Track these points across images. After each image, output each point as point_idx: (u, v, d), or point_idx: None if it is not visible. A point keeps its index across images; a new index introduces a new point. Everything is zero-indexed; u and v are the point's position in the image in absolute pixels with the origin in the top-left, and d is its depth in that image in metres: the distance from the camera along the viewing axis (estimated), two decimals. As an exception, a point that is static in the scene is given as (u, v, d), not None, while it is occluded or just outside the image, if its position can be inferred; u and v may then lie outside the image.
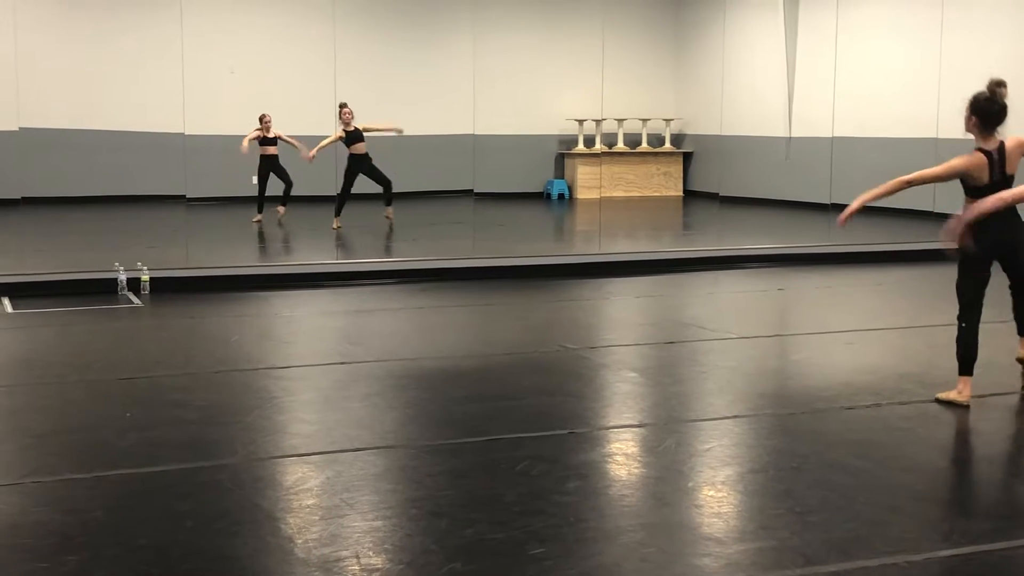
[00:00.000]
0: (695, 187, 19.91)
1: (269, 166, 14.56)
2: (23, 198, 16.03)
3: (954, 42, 15.04)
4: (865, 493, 4.60)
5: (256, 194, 14.65)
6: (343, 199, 13.87)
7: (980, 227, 5.78)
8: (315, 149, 13.83)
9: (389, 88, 17.89)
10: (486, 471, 4.88)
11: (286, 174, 14.53)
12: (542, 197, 19.28)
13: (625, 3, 18.75)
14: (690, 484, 4.79)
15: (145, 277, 9.59)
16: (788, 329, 8.83)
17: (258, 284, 10.03)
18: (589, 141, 19.27)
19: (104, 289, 9.49)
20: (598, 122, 18.74)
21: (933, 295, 10.08)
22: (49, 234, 13.90)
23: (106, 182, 16.66)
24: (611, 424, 5.79)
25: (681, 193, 19.98)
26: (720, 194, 17.63)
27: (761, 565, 3.88)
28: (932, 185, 15.76)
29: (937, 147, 15.08)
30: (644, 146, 19.82)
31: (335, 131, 13.99)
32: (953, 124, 15.42)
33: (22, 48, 16.26)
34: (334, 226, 13.80)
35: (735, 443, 5.37)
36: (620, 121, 19.35)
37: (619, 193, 19.52)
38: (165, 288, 9.65)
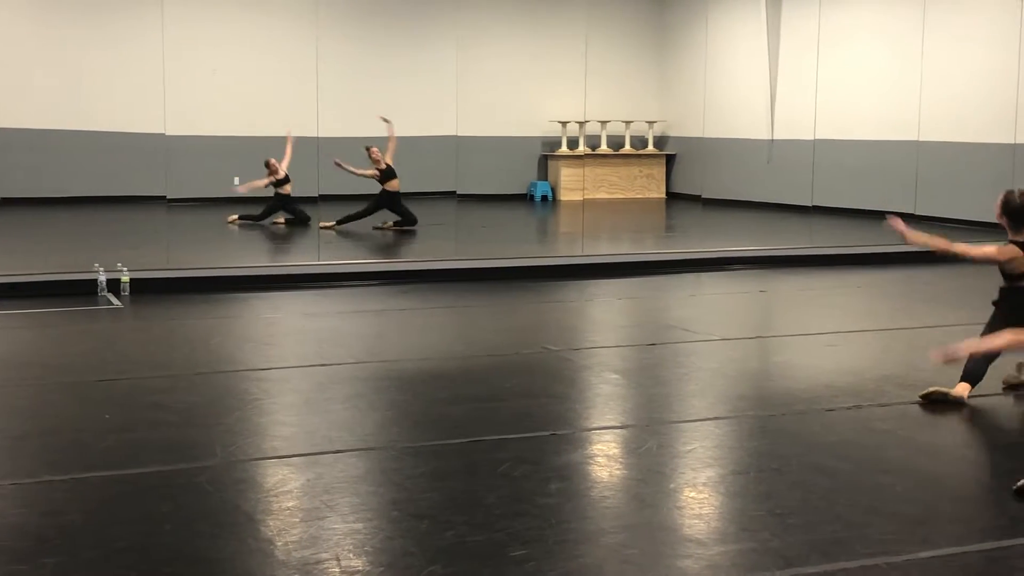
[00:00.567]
0: (678, 189, 19.94)
1: (284, 203, 14.58)
2: (1, 199, 15.97)
3: (935, 45, 15.12)
4: (845, 495, 4.61)
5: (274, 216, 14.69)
6: (354, 219, 13.95)
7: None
8: (348, 166, 13.91)
9: (372, 89, 17.85)
10: (468, 473, 4.87)
11: (297, 210, 14.58)
12: (525, 199, 19.28)
13: (608, 6, 18.77)
14: (671, 486, 4.79)
15: (125, 278, 9.53)
16: (770, 331, 8.84)
17: (239, 285, 9.99)
18: (572, 143, 19.28)
19: (84, 290, 9.44)
20: (581, 124, 18.76)
21: (913, 297, 10.14)
22: (28, 235, 13.82)
23: (86, 183, 16.56)
24: (593, 426, 5.78)
25: (664, 195, 20.01)
26: (703, 196, 17.68)
27: (742, 567, 3.88)
28: (914, 187, 15.91)
29: (918, 150, 15.17)
30: (627, 148, 19.84)
31: (369, 169, 14.05)
32: (934, 127, 15.56)
33: (0, 48, 16.19)
34: (327, 225, 13.81)
35: (716, 445, 5.38)
36: (603, 123, 19.37)
37: (602, 195, 19.54)
38: (145, 289, 9.60)
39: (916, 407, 6.01)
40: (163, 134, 13.86)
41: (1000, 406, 6.13)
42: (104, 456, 5.10)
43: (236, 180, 16.60)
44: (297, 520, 4.31)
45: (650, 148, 20.02)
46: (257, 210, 14.67)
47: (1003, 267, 6.31)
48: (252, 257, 11.77)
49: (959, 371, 6.11)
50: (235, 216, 14.60)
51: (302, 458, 5.08)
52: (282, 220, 14.65)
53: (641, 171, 19.97)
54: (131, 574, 3.81)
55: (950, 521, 4.34)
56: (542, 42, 18.91)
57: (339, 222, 13.92)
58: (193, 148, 16.52)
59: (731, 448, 5.34)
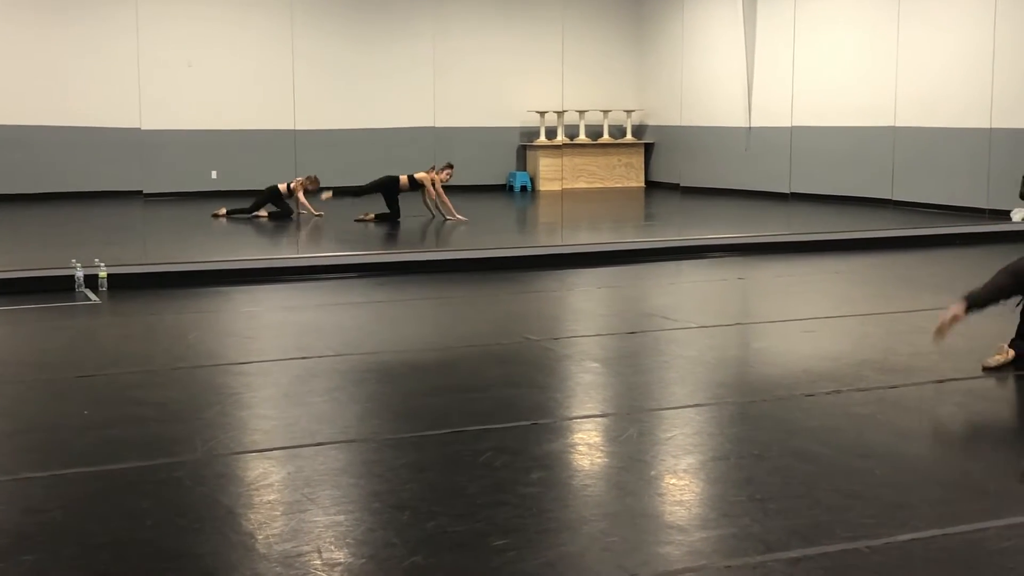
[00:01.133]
0: (656, 178, 19.97)
1: (275, 197, 14.60)
2: (-23, 196, 15.86)
3: (911, 32, 15.18)
4: (825, 479, 4.64)
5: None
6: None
7: None
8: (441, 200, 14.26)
9: (348, 80, 17.81)
10: (449, 463, 4.87)
11: (284, 204, 14.62)
12: (504, 189, 19.27)
13: (584, -6, 18.77)
14: (652, 473, 4.80)
15: (103, 274, 9.49)
16: (749, 318, 8.87)
17: (218, 279, 9.95)
18: (551, 133, 19.28)
19: (61, 287, 9.39)
20: (559, 114, 18.75)
21: (891, 283, 10.18)
22: (3, 232, 13.73)
23: (61, 178, 16.46)
24: (574, 414, 5.79)
25: (643, 184, 20.04)
26: (681, 184, 17.71)
27: (723, 552, 3.90)
28: (891, 173, 15.97)
29: (895, 135, 15.23)
30: (606, 137, 19.85)
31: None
32: (910, 113, 15.61)
33: (-26, 43, 16.06)
34: (367, 219, 14.06)
35: (697, 431, 5.39)
36: (581, 113, 19.38)
37: (581, 184, 19.55)
38: (123, 285, 9.55)
39: (894, 391, 6.05)
40: (139, 128, 13.78)
41: (979, 389, 6.16)
42: (83, 452, 5.08)
43: (214, 174, 16.54)
44: (278, 513, 4.30)
45: (628, 137, 20.04)
46: (247, 203, 14.62)
47: None
48: (231, 251, 11.72)
49: (937, 358, 6.13)
50: (223, 210, 14.55)
51: (282, 451, 5.07)
52: (265, 214, 14.61)
53: (620, 160, 19.99)
54: (111, 570, 3.80)
55: (929, 504, 4.36)
56: (519, 32, 18.89)
57: (369, 216, 14.16)
58: (169, 142, 16.44)
59: (711, 435, 5.36)
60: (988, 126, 14.16)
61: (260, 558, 3.87)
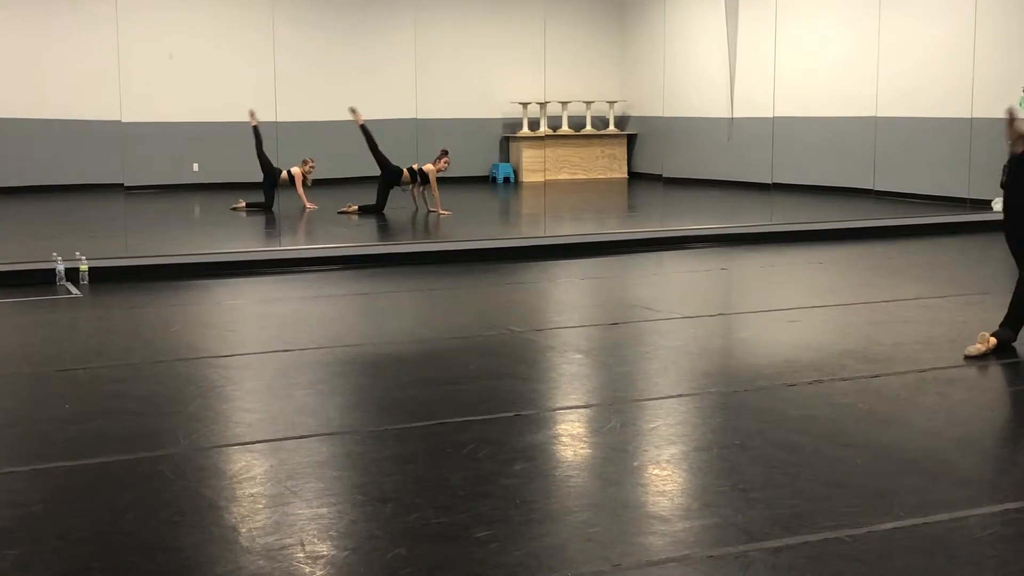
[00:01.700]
0: (639, 169, 19.98)
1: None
2: (-43, 189, 15.75)
3: (892, 22, 15.21)
4: (808, 469, 4.65)
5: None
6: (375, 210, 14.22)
7: None
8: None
9: (329, 71, 17.74)
10: (432, 455, 4.87)
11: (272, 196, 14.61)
12: (487, 181, 19.25)
13: (566, -15, 18.75)
14: (635, 463, 4.81)
15: (84, 267, 9.44)
16: (732, 308, 8.88)
17: (200, 272, 9.92)
18: (533, 124, 19.26)
19: (42, 280, 9.34)
20: (542, 105, 18.74)
21: (873, 272, 10.21)
22: (-15, 225, 13.65)
23: (41, 171, 16.36)
24: (557, 406, 5.79)
25: (625, 175, 20.05)
26: (664, 175, 17.71)
27: (705, 542, 3.91)
28: (872, 163, 16.02)
29: (876, 125, 15.27)
30: (588, 128, 19.85)
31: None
32: (892, 103, 15.63)
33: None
34: (350, 211, 14.06)
35: (679, 422, 5.40)
36: (564, 104, 19.36)
37: (564, 176, 19.55)
38: (104, 278, 9.52)
39: (876, 380, 6.07)
40: (119, 121, 13.69)
41: (960, 378, 6.19)
42: (65, 446, 5.06)
43: (195, 166, 16.47)
44: (261, 506, 4.29)
45: (611, 128, 20.04)
46: (260, 198, 14.59)
47: None
48: (212, 244, 11.68)
49: (919, 348, 6.16)
50: (242, 203, 14.53)
51: (265, 444, 5.06)
52: (244, 204, 14.57)
53: (602, 151, 19.99)
54: (94, 564, 3.79)
55: (911, 493, 4.38)
56: (501, 23, 18.86)
57: (358, 207, 14.15)
58: (150, 135, 16.34)
59: (694, 425, 5.37)
60: (969, 116, 14.21)
61: (243, 551, 3.87)
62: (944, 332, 7.30)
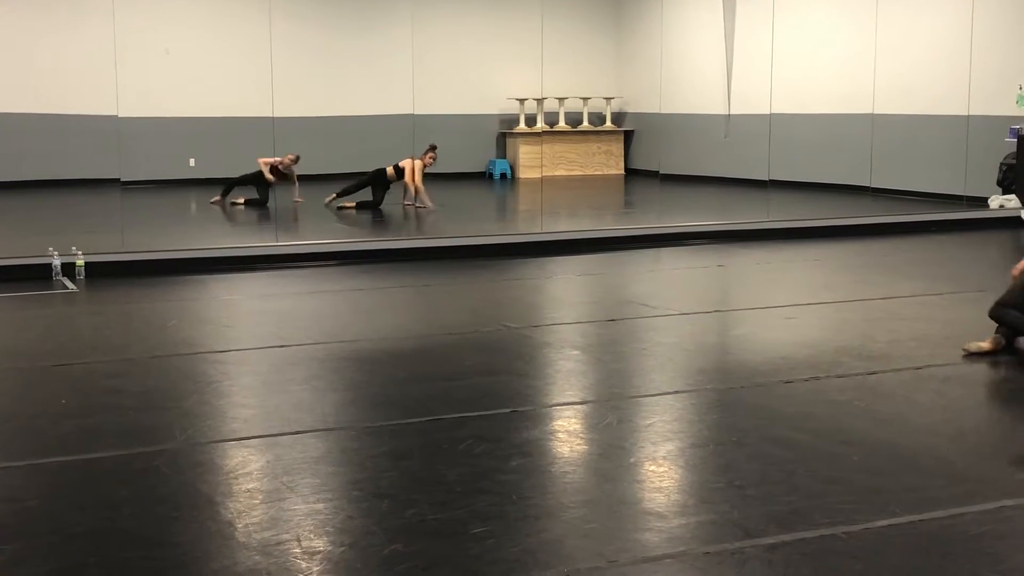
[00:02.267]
0: (636, 165, 19.98)
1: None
2: (-47, 184, 15.72)
3: (889, 19, 15.21)
4: (804, 466, 4.65)
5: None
6: (351, 192, 14.20)
7: None
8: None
9: (327, 68, 17.74)
10: (428, 451, 4.87)
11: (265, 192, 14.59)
12: (484, 177, 19.24)
13: (563, -19, 18.74)
14: (632, 460, 4.81)
15: (80, 262, 9.43)
16: (728, 305, 8.89)
17: (196, 268, 9.90)
18: (530, 120, 19.26)
19: (38, 275, 9.33)
20: (539, 101, 18.73)
21: (869, 269, 10.22)
22: (-19, 220, 13.63)
23: (38, 166, 16.33)
24: (553, 402, 5.79)
25: (622, 171, 20.05)
26: (660, 172, 17.73)
27: (701, 539, 3.91)
28: (869, 160, 16.04)
29: (873, 123, 15.28)
30: (585, 125, 19.84)
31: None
32: (888, 100, 15.64)
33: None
34: (333, 202, 14.07)
35: (676, 418, 5.40)
36: (561, 100, 19.36)
37: (561, 172, 19.55)
38: (101, 273, 9.50)
39: (872, 378, 6.07)
40: (115, 116, 13.68)
41: (957, 375, 6.20)
42: (61, 441, 5.05)
43: (192, 162, 16.45)
44: (257, 502, 4.29)
45: (608, 124, 20.04)
46: (254, 194, 14.60)
47: None
48: (208, 239, 11.66)
49: (915, 345, 6.16)
50: (241, 199, 14.57)
51: (261, 440, 5.06)
52: (242, 200, 14.56)
53: (599, 148, 19.99)
54: (90, 559, 3.78)
55: (907, 490, 4.39)
56: (498, 19, 18.85)
57: (341, 197, 14.14)
58: (147, 130, 16.33)
59: (691, 421, 5.37)
60: (966, 113, 14.22)
61: (239, 546, 3.86)
62: (940, 329, 7.31)
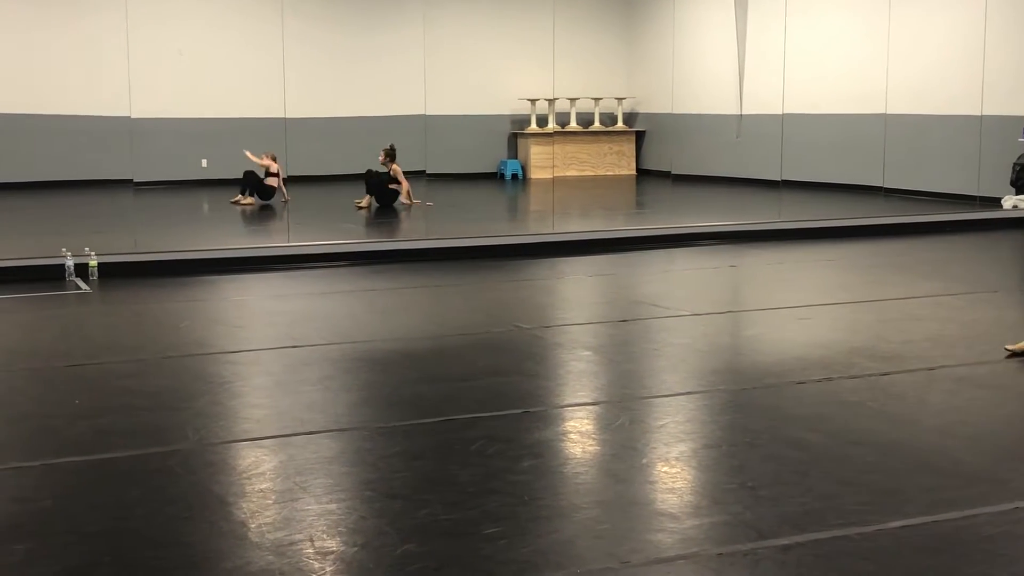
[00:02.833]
0: (648, 166, 19.96)
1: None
2: (-33, 185, 15.78)
3: (902, 19, 15.16)
4: (817, 467, 4.64)
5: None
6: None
7: None
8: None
9: (338, 69, 17.75)
10: (440, 452, 4.87)
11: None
12: (495, 177, 19.24)
13: (575, -19, 18.73)
14: (644, 461, 4.80)
15: (93, 262, 9.46)
16: (740, 305, 8.87)
17: (208, 268, 9.92)
18: (542, 121, 19.25)
19: (51, 275, 9.35)
20: (551, 101, 18.72)
21: (882, 270, 10.19)
22: (-6, 220, 13.68)
23: (51, 167, 16.39)
24: (565, 403, 5.79)
25: (634, 172, 20.02)
26: (672, 172, 17.71)
27: (715, 540, 3.90)
28: (882, 160, 15.98)
29: (886, 123, 15.24)
30: (597, 125, 19.82)
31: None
32: (901, 100, 15.59)
33: (-38, 31, 15.96)
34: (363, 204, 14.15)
35: (688, 419, 5.39)
36: (572, 100, 19.34)
37: (572, 172, 19.53)
38: (114, 273, 9.53)
39: (885, 378, 6.05)
40: (128, 117, 13.72)
41: (970, 376, 6.17)
42: (74, 441, 5.06)
43: (204, 162, 16.49)
44: (270, 502, 4.30)
45: (619, 125, 20.02)
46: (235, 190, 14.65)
47: None
48: (221, 240, 11.69)
49: (928, 345, 6.14)
50: (251, 199, 14.65)
51: (274, 440, 5.07)
52: (251, 201, 14.60)
53: (611, 148, 19.97)
54: (103, 559, 3.79)
55: (920, 491, 4.37)
56: (510, 19, 18.84)
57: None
58: (159, 130, 16.37)
59: (703, 422, 5.37)
60: (979, 113, 14.17)
61: (252, 547, 3.87)
62: (954, 330, 7.29)
